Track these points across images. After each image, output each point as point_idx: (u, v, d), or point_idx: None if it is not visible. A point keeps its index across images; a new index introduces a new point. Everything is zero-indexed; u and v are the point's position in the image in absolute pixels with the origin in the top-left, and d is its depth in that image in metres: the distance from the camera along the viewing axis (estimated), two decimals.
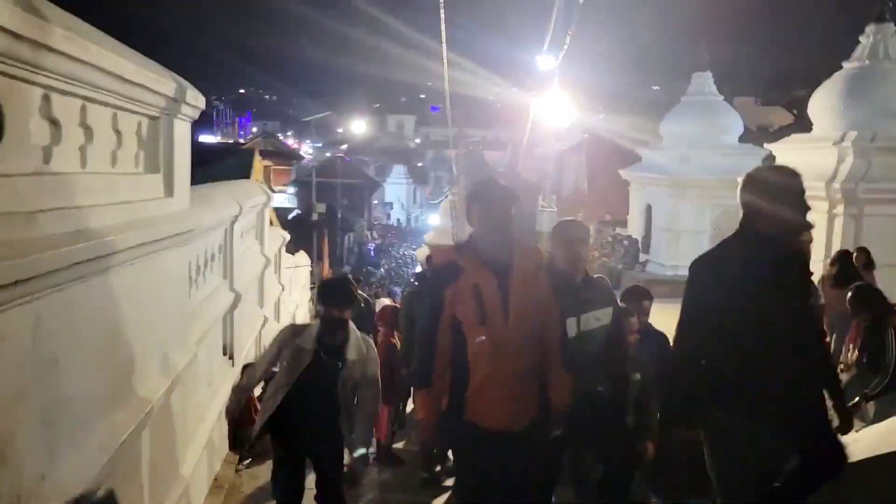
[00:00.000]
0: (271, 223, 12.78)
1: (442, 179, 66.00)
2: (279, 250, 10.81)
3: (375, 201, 64.20)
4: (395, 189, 68.10)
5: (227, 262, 6.37)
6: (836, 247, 11.08)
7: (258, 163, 16.49)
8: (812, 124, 12.71)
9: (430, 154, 76.53)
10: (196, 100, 4.13)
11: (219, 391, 5.76)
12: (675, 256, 16.57)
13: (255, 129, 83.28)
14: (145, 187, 3.60)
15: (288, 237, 11.43)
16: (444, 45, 13.34)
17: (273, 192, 13.13)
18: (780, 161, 12.74)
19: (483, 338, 3.36)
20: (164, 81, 3.58)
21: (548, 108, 15.55)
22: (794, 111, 45.24)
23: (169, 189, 3.87)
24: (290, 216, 42.53)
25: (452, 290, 3.40)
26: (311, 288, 18.91)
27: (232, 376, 6.31)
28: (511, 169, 61.10)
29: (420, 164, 74.80)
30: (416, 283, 9.79)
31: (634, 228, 18.04)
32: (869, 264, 8.10)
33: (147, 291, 3.52)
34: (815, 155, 11.80)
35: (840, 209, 11.28)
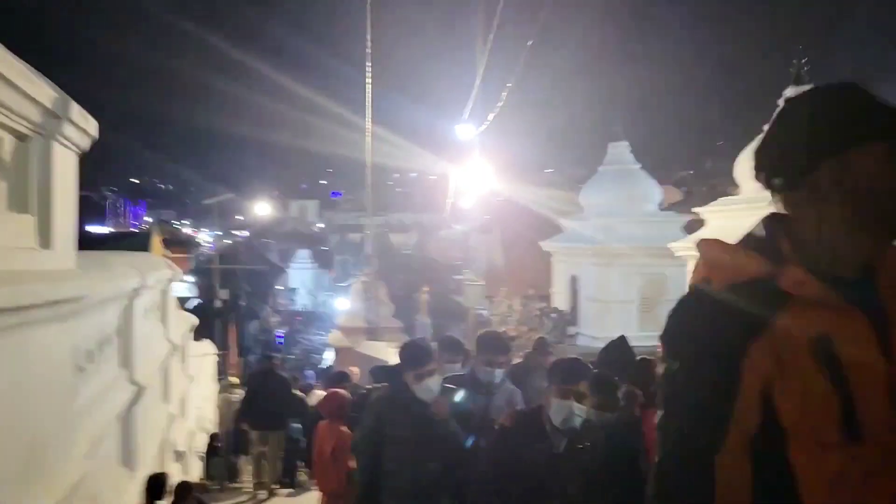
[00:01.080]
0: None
1: (347, 263, 64.84)
2: (186, 335, 9.46)
3: (280, 287, 62.19)
4: (300, 274, 66.32)
5: (127, 346, 5.14)
6: None
7: (157, 245, 15.01)
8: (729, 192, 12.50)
9: (335, 238, 75.39)
10: (85, 120, 3.06)
11: None
12: (605, 327, 15.98)
13: (149, 219, 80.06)
14: (9, 230, 2.49)
15: (196, 321, 10.09)
16: (368, 119, 12.55)
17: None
18: (711, 227, 12.46)
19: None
20: (38, 85, 2.53)
21: (467, 178, 14.96)
22: (683, 188, 46.96)
23: (45, 238, 2.76)
24: (190, 306, 40.28)
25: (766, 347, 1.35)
26: (220, 380, 17.26)
27: (133, 492, 4.99)
28: (419, 251, 60.84)
29: (325, 248, 73.43)
30: (385, 380, 5.76)
31: (560, 301, 17.46)
32: None
33: (10, 383, 2.37)
34: (750, 217, 11.49)
35: None
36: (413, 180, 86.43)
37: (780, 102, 12.25)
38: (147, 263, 6.09)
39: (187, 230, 78.80)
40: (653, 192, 16.94)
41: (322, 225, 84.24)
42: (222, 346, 21.23)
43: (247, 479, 11.19)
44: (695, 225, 17.06)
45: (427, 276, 49.62)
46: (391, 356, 18.94)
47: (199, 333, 16.07)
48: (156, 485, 5.57)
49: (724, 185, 18.02)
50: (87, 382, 4.04)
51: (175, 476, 7.20)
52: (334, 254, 71.94)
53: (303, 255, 66.62)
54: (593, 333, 16.12)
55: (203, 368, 13.18)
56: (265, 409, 9.24)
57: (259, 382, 9.60)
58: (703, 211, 12.55)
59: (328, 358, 38.67)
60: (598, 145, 17.59)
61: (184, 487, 6.17)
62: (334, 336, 28.00)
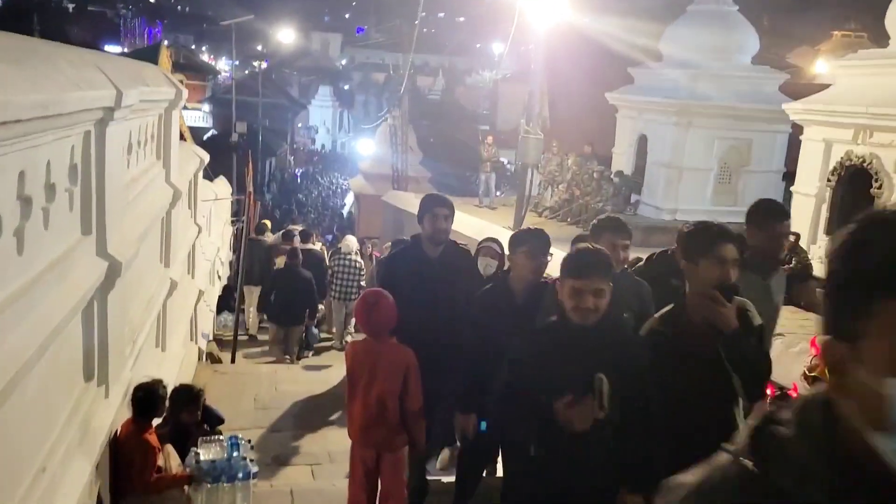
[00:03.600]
0: (183, 138, 9.43)
1: (370, 104, 62.36)
2: (194, 177, 7.54)
3: (299, 124, 59.87)
4: (321, 112, 63.63)
5: (93, 198, 3.22)
6: None
7: (165, 57, 12.79)
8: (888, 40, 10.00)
9: (358, 77, 72.11)
10: None
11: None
12: (674, 199, 13.99)
13: (166, 42, 76.17)
14: None
15: (207, 158, 8.15)
16: None
17: (186, 107, 9.97)
18: (839, 87, 10.13)
19: None
20: None
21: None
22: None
23: None
24: (205, 136, 38.49)
25: None
26: (233, 222, 15.56)
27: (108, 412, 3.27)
28: (447, 96, 58.08)
29: (346, 87, 70.29)
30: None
31: (622, 163, 15.30)
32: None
33: None
34: (892, 73, 9.20)
35: None
36: (440, 20, 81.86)
37: None
38: (131, 73, 4.04)
39: (205, 57, 75.50)
40: (749, 41, 14.30)
41: (345, 61, 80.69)
42: (239, 185, 19.40)
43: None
44: (791, 87, 14.62)
45: (456, 122, 47.25)
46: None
47: (215, 170, 14.34)
48: (145, 398, 3.85)
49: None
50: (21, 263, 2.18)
51: (174, 369, 5.52)
52: (356, 93, 68.88)
53: (324, 91, 63.68)
54: (658, 204, 14.11)
55: (216, 213, 11.39)
56: (286, 309, 9.20)
57: (282, 280, 9.37)
58: (834, 67, 10.18)
59: (348, 202, 37.04)
60: None
61: (185, 395, 4.47)
62: (356, 182, 26.21)
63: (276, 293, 9.26)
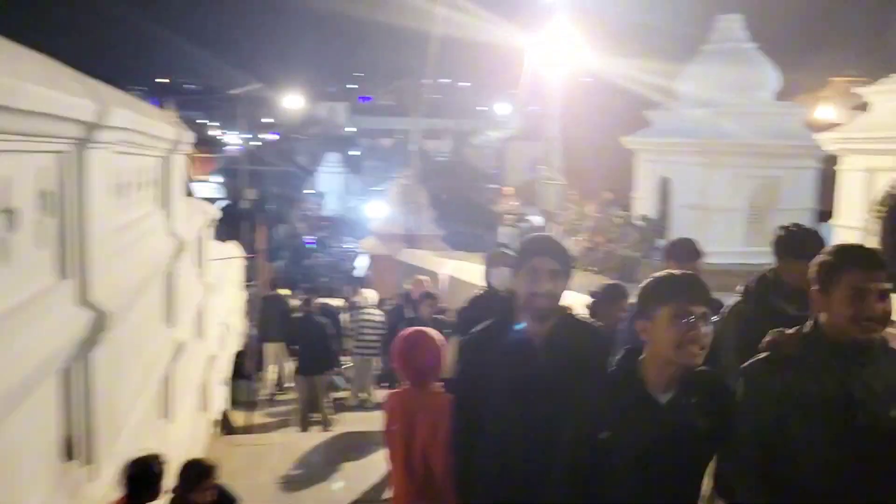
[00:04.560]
0: (190, 194, 8.94)
1: (377, 169, 62.93)
2: (202, 232, 7.01)
3: (309, 191, 60.08)
4: (329, 178, 63.99)
5: (73, 235, 2.66)
6: None
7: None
8: None
9: (365, 142, 72.93)
10: None
11: None
12: (703, 240, 13.30)
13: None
14: None
15: (216, 213, 7.65)
16: None
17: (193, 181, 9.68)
18: (877, 112, 9.61)
19: None
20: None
21: (547, 49, 12.03)
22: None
23: None
24: (218, 209, 38.53)
25: None
26: (247, 287, 15.06)
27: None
28: (455, 156, 58.53)
29: (354, 154, 70.94)
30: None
31: (644, 208, 14.75)
32: None
33: None
34: None
35: None
36: (444, 86, 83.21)
37: None
38: (122, 97, 3.52)
39: (216, 129, 76.56)
40: (769, 78, 13.91)
41: (353, 129, 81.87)
42: (249, 251, 18.97)
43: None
44: (819, 124, 14.17)
45: (466, 182, 47.24)
46: (434, 264, 16.66)
47: (226, 237, 14.03)
48: (139, 476, 3.21)
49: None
50: None
51: (175, 447, 4.88)
52: (363, 159, 69.36)
53: (332, 158, 64.07)
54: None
55: (227, 275, 10.85)
56: (310, 356, 8.81)
57: (301, 327, 9.10)
58: (867, 93, 9.68)
59: (360, 265, 36.62)
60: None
61: (196, 471, 3.81)
62: (369, 242, 25.85)
63: (299, 343, 8.97)
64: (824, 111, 28.29)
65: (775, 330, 2.42)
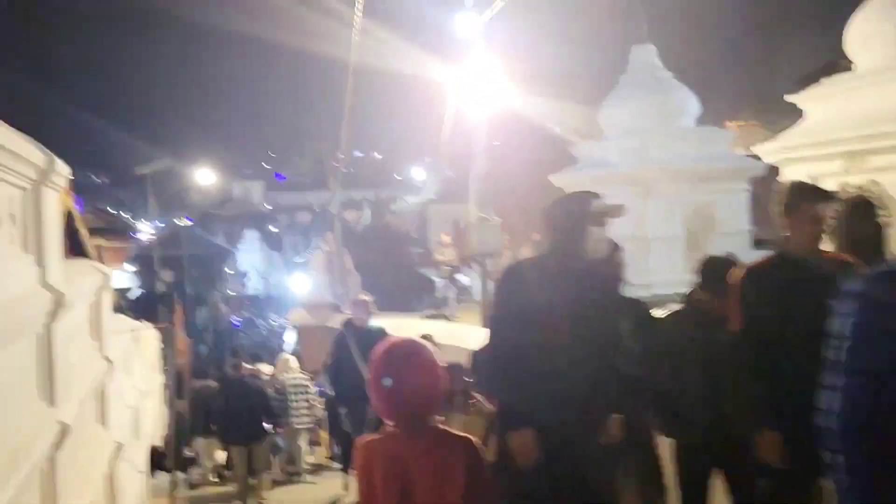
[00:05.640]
0: (87, 255, 7.86)
1: (298, 244, 62.22)
2: (98, 297, 5.98)
3: (230, 271, 58.36)
4: (249, 256, 62.69)
5: None
6: None
7: (65, 195, 11.26)
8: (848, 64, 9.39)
9: (284, 219, 72.03)
10: None
11: None
12: (644, 271, 12.94)
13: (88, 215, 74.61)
14: None
15: (112, 274, 6.63)
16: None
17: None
18: (814, 117, 9.42)
19: None
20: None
21: (468, 84, 11.63)
22: None
23: None
24: (133, 297, 37.19)
25: None
26: (165, 371, 13.80)
27: None
28: (377, 222, 58.31)
29: (273, 230, 69.88)
30: None
31: None
32: None
33: None
34: (871, 96, 8.52)
35: None
36: (360, 159, 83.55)
37: None
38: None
39: (125, 212, 74.37)
40: (688, 104, 13.83)
41: (270, 207, 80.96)
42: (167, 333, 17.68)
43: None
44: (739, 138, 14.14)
45: (388, 248, 46.73)
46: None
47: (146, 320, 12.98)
48: None
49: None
50: None
51: None
52: (283, 235, 68.24)
53: (251, 236, 62.85)
54: (629, 279, 13.05)
55: (138, 351, 9.71)
56: (239, 421, 8.38)
57: (230, 389, 8.79)
58: (800, 98, 9.49)
59: (289, 340, 35.28)
60: (620, 51, 14.43)
61: None
62: (297, 314, 24.95)
63: (230, 409, 8.24)
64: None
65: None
